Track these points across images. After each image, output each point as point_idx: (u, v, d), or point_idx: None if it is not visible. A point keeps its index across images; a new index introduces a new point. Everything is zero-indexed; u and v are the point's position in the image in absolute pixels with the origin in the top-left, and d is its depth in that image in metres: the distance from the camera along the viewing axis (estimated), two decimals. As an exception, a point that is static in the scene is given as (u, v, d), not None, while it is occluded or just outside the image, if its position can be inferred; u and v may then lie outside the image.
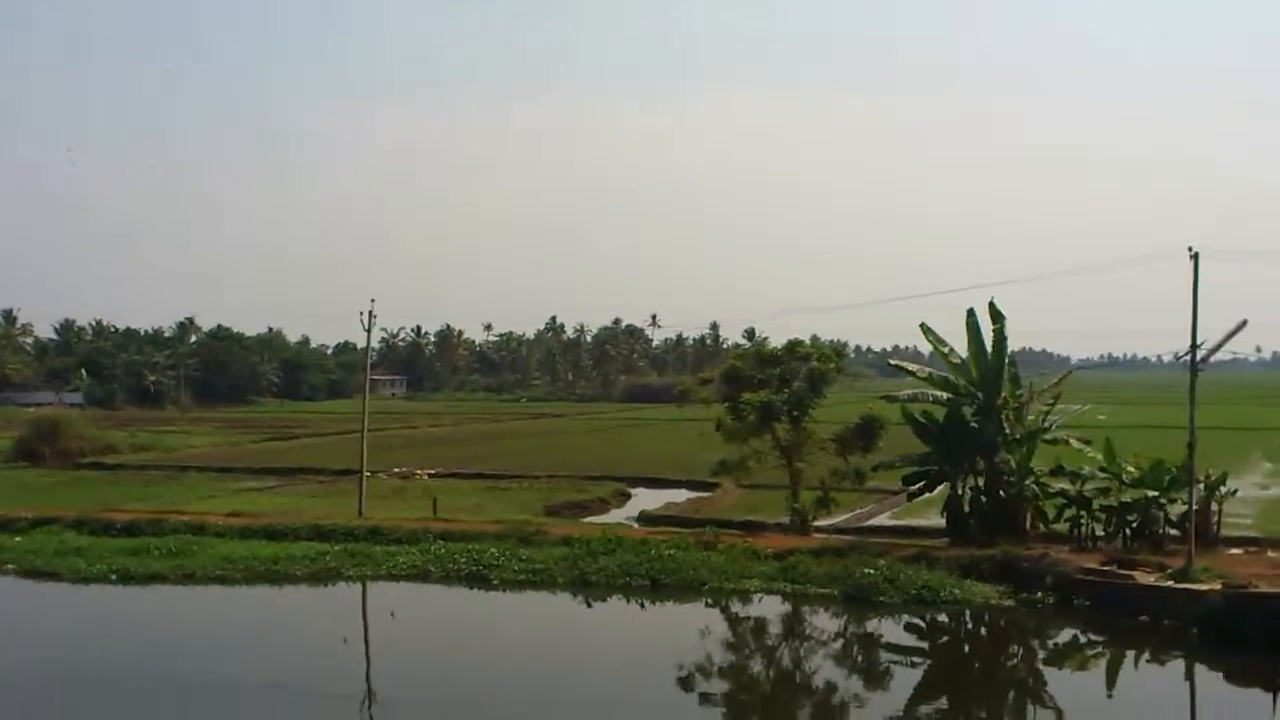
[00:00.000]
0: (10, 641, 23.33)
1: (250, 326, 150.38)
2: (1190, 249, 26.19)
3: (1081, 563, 26.06)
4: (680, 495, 43.42)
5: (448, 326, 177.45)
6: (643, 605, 26.73)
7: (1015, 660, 23.67)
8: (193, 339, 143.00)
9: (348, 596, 28.18)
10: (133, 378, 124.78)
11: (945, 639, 25.25)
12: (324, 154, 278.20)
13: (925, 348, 33.18)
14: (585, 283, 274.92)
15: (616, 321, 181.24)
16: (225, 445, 68.03)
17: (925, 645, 24.50)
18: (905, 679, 21.39)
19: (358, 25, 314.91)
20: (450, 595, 27.47)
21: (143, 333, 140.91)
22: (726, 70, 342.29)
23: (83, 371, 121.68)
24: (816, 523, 32.91)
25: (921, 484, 31.76)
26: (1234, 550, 27.44)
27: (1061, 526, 29.80)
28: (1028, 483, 30.14)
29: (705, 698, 19.91)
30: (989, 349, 30.97)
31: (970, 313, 31.28)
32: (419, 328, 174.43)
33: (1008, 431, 30.46)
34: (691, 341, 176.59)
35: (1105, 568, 25.40)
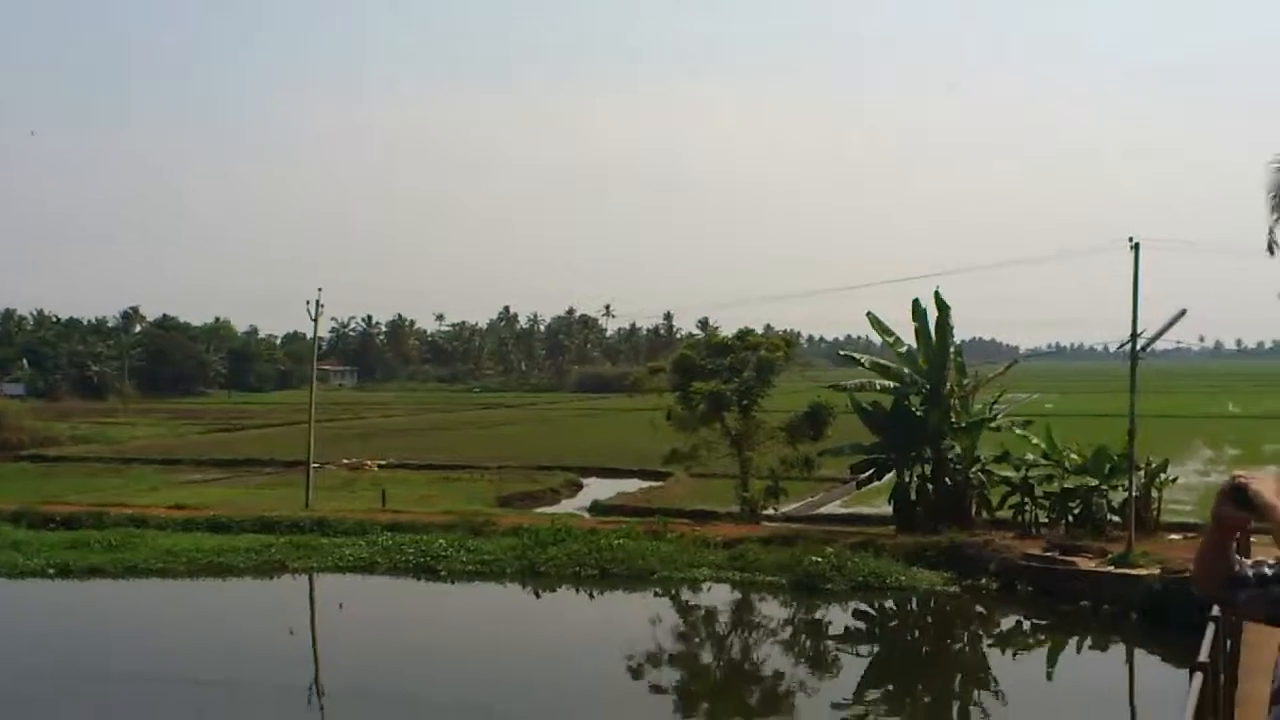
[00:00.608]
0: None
1: (197, 316, 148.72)
2: (1131, 239, 26.59)
3: (1025, 549, 26.40)
4: (632, 485, 43.46)
5: (399, 316, 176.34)
6: (591, 595, 26.76)
7: (960, 645, 23.96)
8: (137, 329, 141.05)
9: (294, 589, 27.97)
10: (75, 368, 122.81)
11: (892, 625, 25.50)
12: (275, 141, 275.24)
13: (877, 338, 33.42)
14: (539, 272, 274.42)
15: (570, 311, 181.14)
16: (170, 437, 67.22)
17: (873, 631, 24.73)
18: (853, 665, 21.59)
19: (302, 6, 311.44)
20: (398, 587, 27.35)
21: (85, 322, 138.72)
22: (682, 60, 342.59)
23: (24, 362, 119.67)
24: (766, 511, 33.07)
25: (870, 472, 32.05)
26: (1173, 536, 27.88)
27: (1006, 513, 30.16)
28: (973, 471, 30.48)
29: (655, 687, 19.98)
30: (935, 338, 31.30)
31: (916, 302, 31.60)
32: (370, 318, 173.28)
33: (954, 420, 30.81)
34: (645, 332, 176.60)
35: (1048, 554, 25.74)
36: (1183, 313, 27.22)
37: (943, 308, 31.27)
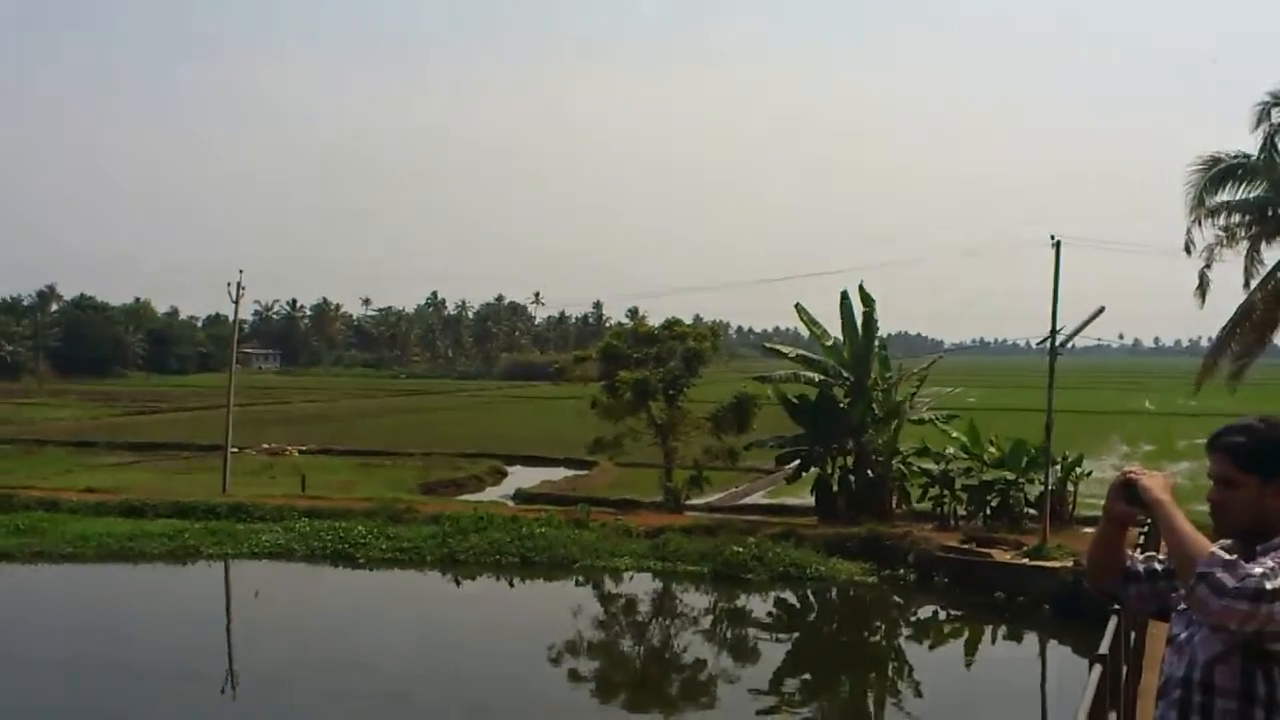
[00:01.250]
0: None
1: (116, 296, 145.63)
2: (1052, 237, 27.03)
3: (943, 541, 26.75)
4: (558, 473, 43.32)
5: (324, 300, 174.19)
6: (512, 583, 26.62)
7: (878, 635, 24.21)
8: (54, 308, 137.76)
9: (208, 575, 27.47)
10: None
11: (811, 615, 25.70)
12: (200, 117, 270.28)
13: (806, 330, 33.69)
14: (468, 258, 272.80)
15: (499, 298, 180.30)
16: (86, 419, 65.67)
17: (792, 621, 24.89)
18: (772, 654, 21.70)
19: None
20: (315, 574, 26.98)
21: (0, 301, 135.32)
22: (617, 42, 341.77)
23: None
24: (690, 501, 33.16)
25: (794, 463, 32.27)
26: (1088, 529, 28.32)
27: (925, 505, 30.53)
28: (894, 463, 30.82)
29: (575, 675, 19.92)
30: (860, 331, 31.60)
31: (843, 295, 31.88)
32: (294, 301, 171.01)
33: (876, 413, 31.12)
34: (575, 320, 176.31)
35: (965, 545, 26.10)
36: (1101, 310, 27.74)
37: (868, 301, 31.61)
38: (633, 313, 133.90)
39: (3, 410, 66.51)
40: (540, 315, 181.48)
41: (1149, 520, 3.28)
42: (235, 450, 37.55)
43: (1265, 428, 3.18)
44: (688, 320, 39.99)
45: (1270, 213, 29.48)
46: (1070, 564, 23.27)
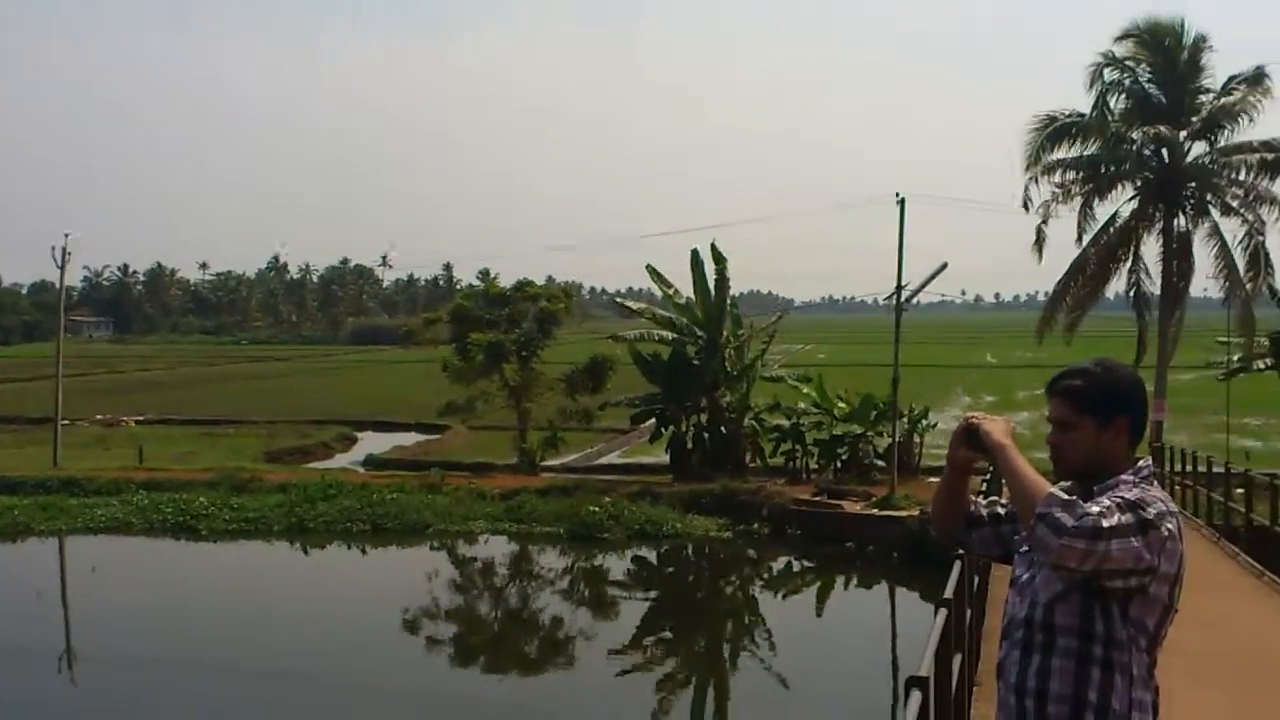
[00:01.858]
0: None
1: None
2: (897, 195, 27.55)
3: (795, 494, 27.22)
4: (410, 438, 42.72)
5: (159, 265, 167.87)
6: (364, 551, 26.12)
7: (734, 589, 24.49)
8: None
9: (41, 552, 26.21)
10: None
11: (668, 571, 25.86)
12: (11, 76, 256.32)
13: (659, 290, 33.76)
14: (311, 220, 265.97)
15: (344, 261, 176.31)
16: (-97, 393, 61.97)
17: (649, 578, 25.01)
18: (631, 612, 21.76)
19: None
20: (155, 547, 25.99)
21: None
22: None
23: None
24: (545, 463, 33.00)
25: (649, 422, 32.39)
26: (934, 479, 29.17)
27: (778, 460, 31.02)
28: (747, 419, 31.20)
29: (432, 640, 19.63)
30: (712, 290, 31.81)
31: (694, 254, 32.01)
32: (126, 266, 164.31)
33: (729, 370, 31.41)
34: (424, 282, 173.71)
35: (816, 498, 26.60)
36: (944, 266, 28.46)
37: (719, 260, 31.82)
38: (484, 274, 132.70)
39: None
40: (388, 278, 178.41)
41: (991, 468, 3.30)
42: (67, 422, 35.92)
43: (1101, 371, 3.26)
44: (540, 281, 39.74)
45: (1102, 169, 30.62)
46: (917, 513, 23.91)
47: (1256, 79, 29.96)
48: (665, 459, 31.80)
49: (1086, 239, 31.19)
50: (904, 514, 24.28)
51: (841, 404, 31.06)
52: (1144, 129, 29.99)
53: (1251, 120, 29.94)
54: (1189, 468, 23.52)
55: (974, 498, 3.55)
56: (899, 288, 27.73)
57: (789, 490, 27.87)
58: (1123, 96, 30.60)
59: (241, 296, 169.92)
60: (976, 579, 10.45)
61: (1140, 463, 3.24)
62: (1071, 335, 32.19)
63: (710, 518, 26.74)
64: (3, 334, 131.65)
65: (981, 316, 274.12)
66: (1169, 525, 3.05)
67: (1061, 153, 30.83)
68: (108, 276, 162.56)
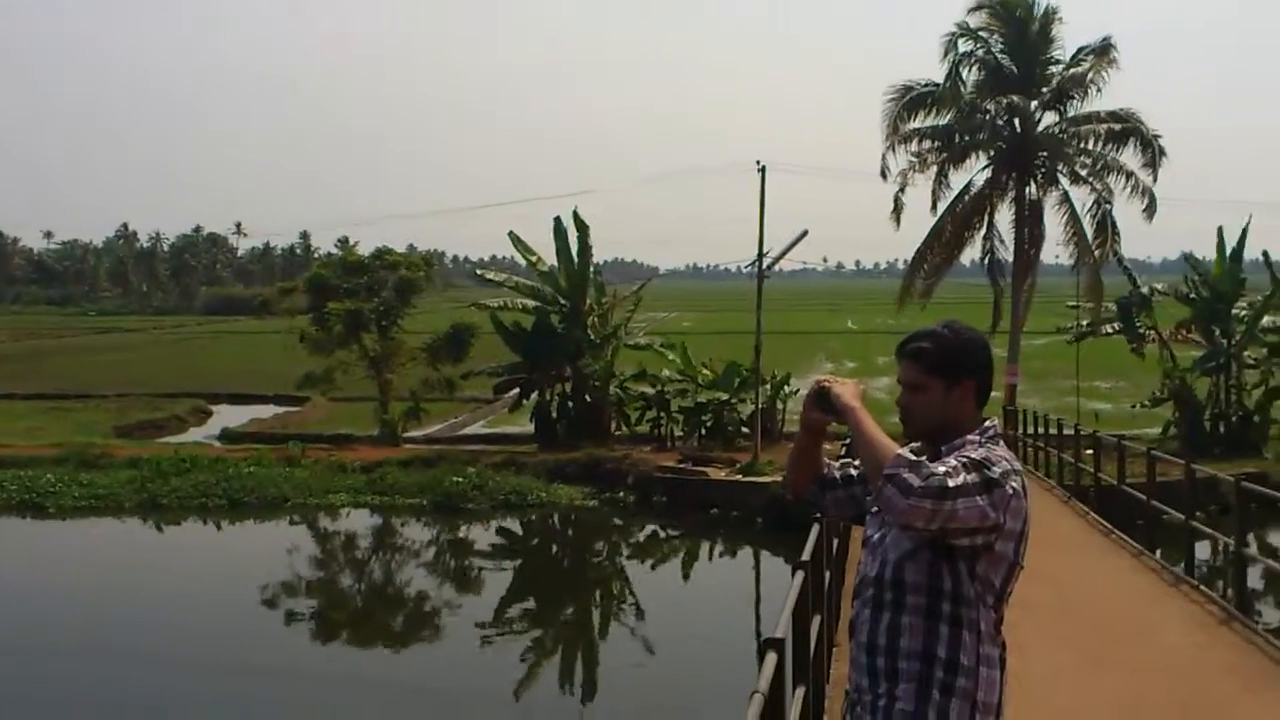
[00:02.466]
0: None
1: None
2: (758, 162, 27.72)
3: (660, 461, 27.30)
4: (267, 411, 41.70)
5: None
6: (219, 526, 25.39)
7: (600, 557, 24.49)
8: None
9: None
10: None
11: (534, 541, 25.75)
12: None
13: (522, 258, 33.44)
14: (160, 186, 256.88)
15: (197, 229, 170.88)
16: None
17: (515, 549, 24.86)
18: (496, 583, 21.57)
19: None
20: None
21: None
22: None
23: None
24: (407, 434, 32.53)
25: (513, 391, 32.15)
26: (796, 444, 29.61)
27: (643, 428, 31.11)
28: (612, 387, 31.20)
29: (292, 616, 19.18)
30: (575, 257, 31.63)
31: (557, 221, 31.80)
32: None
33: (593, 338, 31.34)
34: (280, 251, 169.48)
35: (681, 465, 26.74)
36: (805, 234, 28.78)
37: (582, 227, 31.65)
38: (343, 242, 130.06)
39: None
40: (243, 247, 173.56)
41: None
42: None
43: (949, 333, 3.31)
44: (401, 249, 39.08)
45: (956, 139, 31.34)
46: (780, 478, 24.17)
47: (1104, 50, 30.97)
48: (530, 428, 31.63)
49: (942, 207, 31.96)
50: (768, 480, 24.53)
51: (705, 371, 31.27)
52: (997, 99, 30.78)
53: (1099, 91, 31.02)
54: (1041, 430, 24.30)
55: (828, 460, 3.57)
56: (760, 255, 27.95)
57: (654, 458, 27.95)
58: (976, 67, 31.35)
59: (89, 266, 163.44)
60: (835, 541, 10.58)
61: (987, 423, 3.29)
62: (927, 301, 32.98)
63: (575, 486, 26.66)
64: None
65: (843, 283, 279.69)
66: (1014, 484, 3.11)
67: (918, 122, 31.49)
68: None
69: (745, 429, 29.46)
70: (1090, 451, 19.31)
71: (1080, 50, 31.28)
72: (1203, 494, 17.35)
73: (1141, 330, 29.12)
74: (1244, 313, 28.14)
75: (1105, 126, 30.84)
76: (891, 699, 3.16)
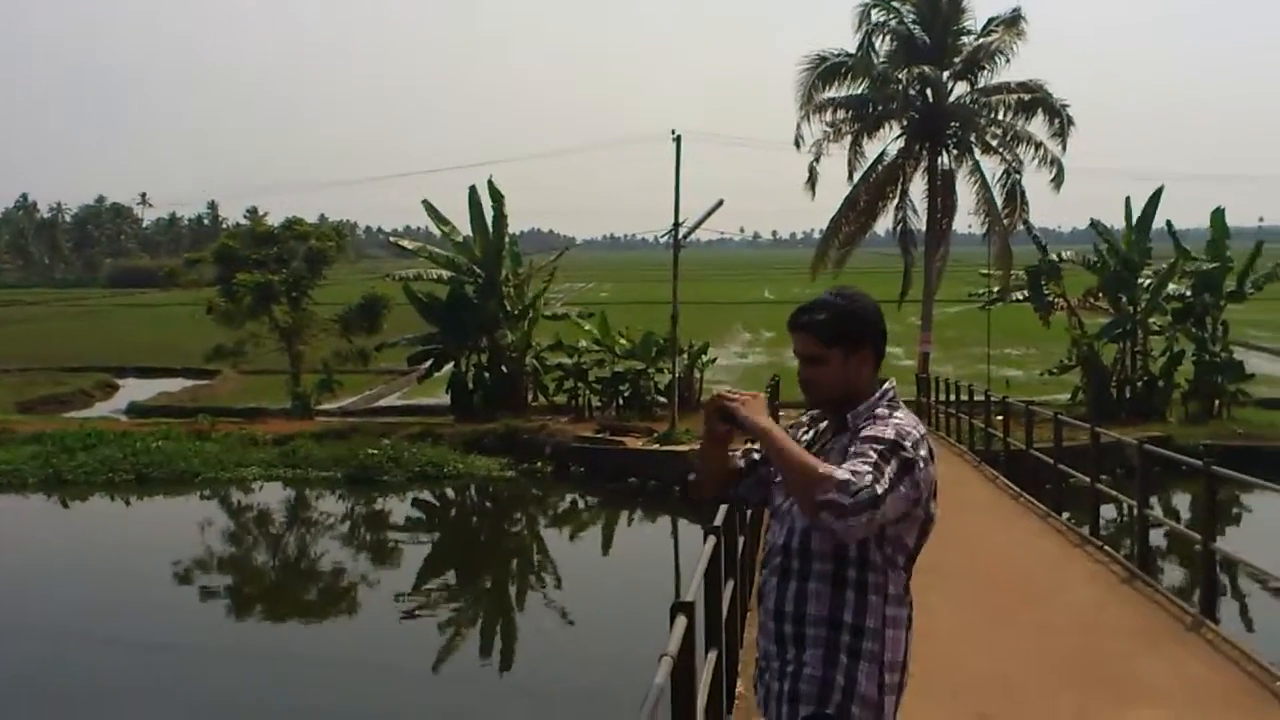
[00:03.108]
0: None
1: None
2: (674, 131, 27.62)
3: (578, 432, 27.29)
4: (176, 384, 40.90)
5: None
6: (128, 502, 24.86)
7: (519, 528, 24.43)
8: None
9: None
10: None
11: (452, 513, 25.61)
12: None
13: (437, 229, 33.10)
14: (61, 155, 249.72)
15: (100, 200, 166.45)
16: None
17: (432, 521, 24.70)
18: (414, 556, 21.41)
19: None
20: (-107, 507, 24.06)
21: None
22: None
23: None
24: (321, 406, 32.12)
25: (428, 363, 31.87)
26: (714, 413, 29.73)
27: (561, 398, 31.04)
28: (529, 358, 31.07)
29: (206, 592, 18.87)
30: (490, 228, 31.37)
31: (472, 190, 31.47)
32: None
33: (509, 309, 31.14)
34: (188, 221, 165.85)
35: (599, 435, 26.75)
36: (720, 203, 28.80)
37: (496, 197, 31.37)
38: (252, 213, 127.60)
39: None
40: (148, 217, 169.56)
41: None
42: None
43: (843, 301, 3.31)
44: (312, 219, 38.50)
45: (870, 109, 31.57)
46: (697, 446, 24.29)
47: (1013, 21, 31.39)
48: (446, 400, 31.40)
49: (857, 177, 32.21)
50: (685, 448, 24.63)
51: (623, 341, 31.26)
52: (909, 69, 31.04)
53: (1009, 61, 31.46)
54: (953, 397, 24.68)
55: (732, 452, 3.59)
56: (676, 225, 27.93)
57: (572, 428, 27.91)
58: (889, 37, 31.59)
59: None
60: (750, 509, 10.63)
61: (886, 385, 3.33)
62: (841, 270, 33.29)
63: (493, 458, 26.56)
64: None
65: (760, 253, 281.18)
66: (923, 451, 3.18)
67: (832, 92, 31.66)
68: None
69: (662, 398, 29.53)
70: (1000, 417, 19.66)
71: (991, 21, 31.68)
72: (1108, 457, 17.80)
73: (1050, 298, 29.66)
74: (1149, 281, 28.79)
75: (1015, 97, 31.28)
76: (799, 664, 3.21)
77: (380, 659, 15.46)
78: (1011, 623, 9.18)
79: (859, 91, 31.68)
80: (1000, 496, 16.58)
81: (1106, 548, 12.34)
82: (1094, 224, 30.79)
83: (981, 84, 31.90)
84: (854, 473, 3.01)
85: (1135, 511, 12.08)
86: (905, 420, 3.21)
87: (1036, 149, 31.13)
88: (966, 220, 33.90)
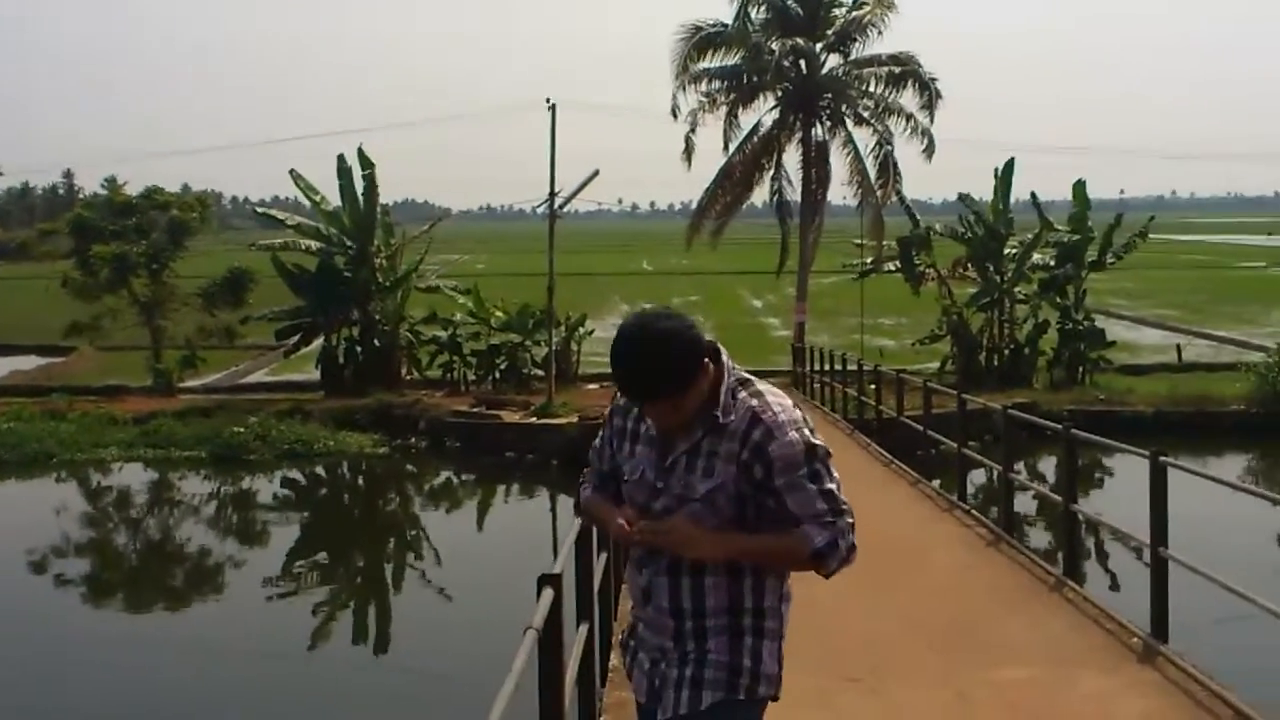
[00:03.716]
0: None
1: None
2: (548, 100, 27.30)
3: (453, 406, 26.90)
4: (29, 362, 39.16)
5: None
6: (-22, 487, 23.74)
7: (393, 505, 24.01)
8: None
9: None
10: None
11: (322, 491, 25.04)
12: None
13: (306, 199, 32.23)
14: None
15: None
16: None
17: (302, 499, 24.11)
18: (283, 536, 20.84)
19: None
20: None
21: None
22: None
23: None
24: (184, 384, 31.10)
25: (297, 337, 31.04)
26: (591, 386, 29.64)
27: (435, 372, 30.59)
28: (402, 331, 30.52)
29: (62, 580, 18.08)
30: (361, 197, 30.65)
31: (340, 159, 30.70)
32: None
33: (381, 281, 30.51)
34: (41, 191, 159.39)
35: (475, 409, 26.38)
36: (596, 173, 28.59)
37: (367, 165, 30.66)
38: (109, 182, 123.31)
39: None
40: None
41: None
42: None
43: (671, 345, 3.03)
44: (175, 189, 37.23)
45: (745, 79, 31.64)
46: (575, 420, 24.14)
47: (883, -7, 31.69)
48: (315, 375, 30.69)
49: (733, 148, 32.29)
50: (562, 421, 24.47)
51: (499, 313, 30.90)
52: (782, 40, 31.16)
53: (880, 33, 31.77)
54: (828, 366, 24.95)
55: (598, 469, 3.52)
56: (551, 195, 27.65)
57: (447, 402, 27.51)
58: (763, 8, 31.65)
59: None
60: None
61: (730, 369, 3.17)
62: (717, 241, 33.41)
63: (365, 434, 26.00)
64: None
65: (638, 224, 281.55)
66: (811, 423, 3.20)
67: (708, 62, 31.64)
68: None
69: (539, 371, 29.29)
70: (873, 386, 19.90)
71: (861, -6, 31.94)
72: (976, 424, 18.15)
73: (921, 269, 30.16)
74: (1014, 251, 29.46)
75: (886, 69, 31.67)
76: (703, 652, 3.19)
77: (250, 640, 15.01)
78: (882, 588, 9.21)
79: (734, 62, 31.71)
80: (872, 464, 16.77)
81: (974, 512, 12.55)
82: (962, 197, 31.36)
83: (853, 56, 32.21)
84: (823, 525, 3.10)
85: (1001, 476, 12.28)
86: (780, 407, 3.13)
87: (907, 121, 31.59)
88: (841, 191, 34.31)
